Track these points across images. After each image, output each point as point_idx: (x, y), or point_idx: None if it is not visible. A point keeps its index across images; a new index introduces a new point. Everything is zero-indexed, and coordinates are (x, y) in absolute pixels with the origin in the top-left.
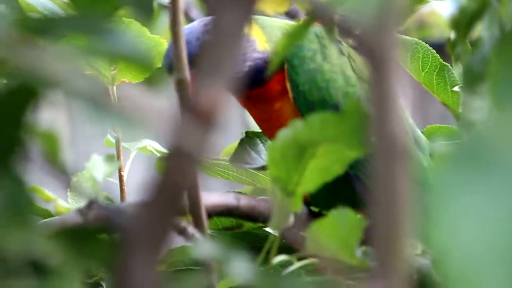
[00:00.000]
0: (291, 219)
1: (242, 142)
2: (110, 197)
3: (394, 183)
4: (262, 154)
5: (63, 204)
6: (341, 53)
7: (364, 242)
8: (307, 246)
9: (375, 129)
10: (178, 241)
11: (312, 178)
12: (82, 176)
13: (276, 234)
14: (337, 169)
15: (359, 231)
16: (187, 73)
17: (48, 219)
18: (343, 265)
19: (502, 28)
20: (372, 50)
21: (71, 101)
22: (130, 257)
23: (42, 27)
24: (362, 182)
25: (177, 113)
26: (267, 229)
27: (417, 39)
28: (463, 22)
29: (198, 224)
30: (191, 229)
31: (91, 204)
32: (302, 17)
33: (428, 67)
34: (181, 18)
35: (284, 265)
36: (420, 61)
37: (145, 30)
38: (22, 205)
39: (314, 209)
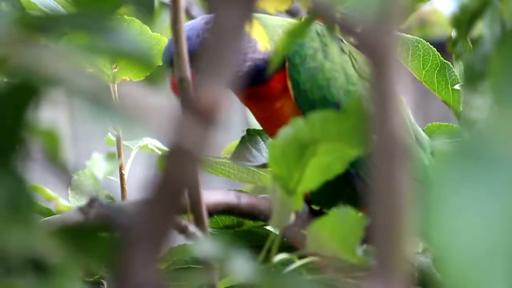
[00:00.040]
0: (292, 217)
1: (243, 140)
2: (111, 196)
3: (395, 181)
4: (263, 152)
5: (64, 202)
6: (343, 51)
7: (365, 240)
8: (308, 245)
9: (375, 127)
10: (179, 240)
11: (312, 177)
12: (83, 174)
13: (277, 232)
14: (338, 168)
15: (360, 230)
16: (188, 71)
17: (48, 218)
18: (344, 264)
19: (503, 26)
20: (373, 48)
21: (72, 99)
22: (131, 256)
23: (43, 25)
24: (363, 180)
25: (178, 111)
26: (268, 227)
27: (418, 38)
28: (464, 20)
29: (199, 223)
30: (192, 228)
31: (92, 202)
32: (303, 15)
33: (429, 65)
34: (182, 16)
35: (285, 263)
36: (421, 59)
37: (146, 28)
38: (23, 204)
39: (315, 207)
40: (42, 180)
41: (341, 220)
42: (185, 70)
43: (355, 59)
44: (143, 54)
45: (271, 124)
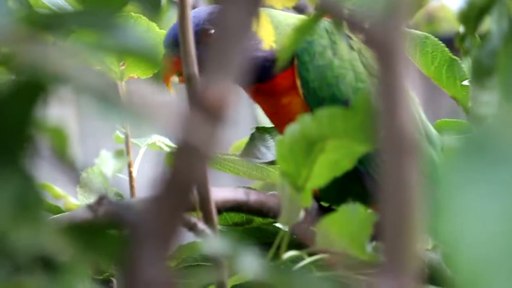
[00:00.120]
0: (301, 214)
1: (252, 137)
2: (120, 193)
3: (404, 178)
4: (271, 149)
5: (73, 200)
6: (351, 48)
7: (375, 237)
8: (317, 241)
9: (384, 123)
10: (188, 237)
11: (321, 173)
12: (92, 172)
13: (286, 229)
14: (346, 164)
15: (370, 226)
16: (195, 68)
17: (57, 215)
18: (353, 260)
19: (511, 22)
20: (381, 44)
21: (80, 97)
22: (140, 253)
23: (51, 23)
24: (372, 177)
25: (186, 108)
26: (277, 224)
27: (426, 33)
28: (472, 15)
29: (208, 220)
30: (201, 225)
31: (101, 200)
32: (311, 11)
33: (437, 61)
34: (189, 12)
35: (294, 260)
36: (429, 55)
37: (154, 26)
38: (31, 201)
39: (324, 204)
40: (51, 178)
41: (351, 217)
42: (193, 67)
43: (364, 56)
44: (150, 52)
45: (279, 120)
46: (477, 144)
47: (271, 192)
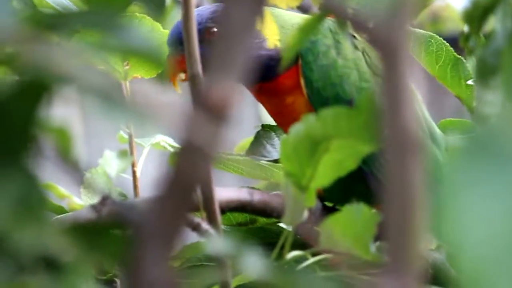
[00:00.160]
0: (305, 214)
1: (258, 136)
2: (124, 193)
3: (408, 178)
4: (277, 147)
5: (77, 200)
6: (356, 48)
7: (378, 237)
8: (321, 241)
9: (388, 123)
10: (192, 237)
11: (325, 173)
12: (96, 172)
13: (290, 229)
14: (351, 164)
15: (373, 226)
16: (199, 68)
17: (61, 215)
18: (357, 260)
19: None
20: (385, 43)
21: (84, 96)
22: (143, 253)
23: (55, 23)
24: (376, 177)
25: (190, 108)
26: (281, 224)
27: (431, 33)
28: (476, 15)
29: (211, 220)
30: (204, 225)
31: (105, 200)
32: (315, 11)
33: (442, 60)
34: (193, 13)
35: (298, 260)
36: (434, 54)
37: (158, 26)
38: (35, 201)
39: (328, 204)
40: (55, 178)
41: (355, 217)
42: (197, 67)
43: (368, 56)
44: (154, 52)
45: (283, 120)
46: (481, 144)
47: (275, 192)
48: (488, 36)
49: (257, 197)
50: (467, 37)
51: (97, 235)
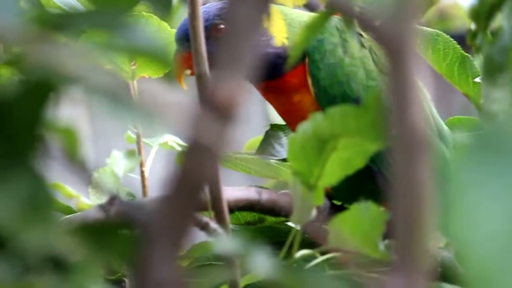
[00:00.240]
0: (313, 213)
1: (267, 135)
2: (132, 193)
3: (415, 176)
4: (285, 146)
5: (85, 200)
6: (363, 46)
7: (387, 235)
8: (329, 240)
9: (395, 122)
10: (200, 237)
11: (333, 171)
12: (103, 172)
13: (299, 228)
14: (358, 162)
15: (382, 225)
16: (206, 67)
17: (69, 216)
18: (365, 259)
19: None
20: (392, 41)
21: (91, 97)
22: (151, 253)
23: (62, 23)
24: (384, 175)
25: (197, 107)
26: (290, 223)
27: (438, 31)
28: (483, 12)
29: (220, 219)
30: (213, 224)
31: (112, 200)
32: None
33: (449, 58)
34: (200, 11)
35: (306, 259)
36: (441, 52)
37: (165, 25)
38: (42, 201)
39: (337, 202)
40: (63, 178)
41: (363, 215)
42: (204, 66)
43: (375, 54)
44: (161, 51)
45: (291, 118)
46: (489, 141)
47: (283, 191)
48: (495, 34)
49: (265, 196)
50: (474, 34)
51: (105, 235)
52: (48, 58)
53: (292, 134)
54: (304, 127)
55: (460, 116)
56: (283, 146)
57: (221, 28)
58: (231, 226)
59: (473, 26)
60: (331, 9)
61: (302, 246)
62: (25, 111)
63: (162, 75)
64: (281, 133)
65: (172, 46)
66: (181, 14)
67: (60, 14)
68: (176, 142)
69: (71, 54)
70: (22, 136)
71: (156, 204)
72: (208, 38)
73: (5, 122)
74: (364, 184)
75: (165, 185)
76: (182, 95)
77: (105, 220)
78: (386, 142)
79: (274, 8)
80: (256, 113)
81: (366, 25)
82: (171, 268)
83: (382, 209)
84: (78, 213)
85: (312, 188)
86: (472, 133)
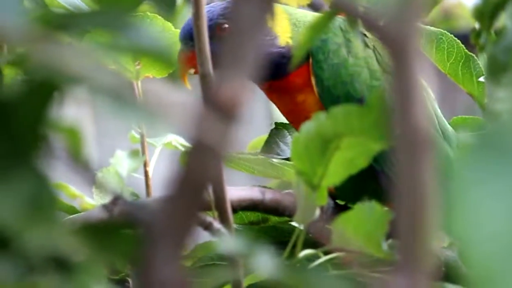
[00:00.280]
0: (317, 212)
1: (271, 134)
2: (136, 193)
3: (419, 175)
4: (290, 145)
5: (89, 200)
6: (366, 46)
7: (390, 235)
8: (333, 240)
9: (399, 121)
10: (204, 236)
11: (336, 171)
12: (107, 172)
13: (302, 228)
14: (362, 162)
15: (385, 224)
16: (210, 67)
17: (72, 215)
18: (369, 258)
19: None
20: (396, 41)
21: (95, 96)
22: (155, 253)
23: (66, 23)
24: (388, 175)
25: (200, 107)
26: (293, 223)
27: (442, 30)
28: (487, 12)
29: (223, 219)
30: (216, 224)
31: (116, 200)
32: (326, 9)
33: (453, 57)
34: (204, 11)
35: (310, 259)
36: (445, 52)
37: (169, 25)
38: (45, 201)
39: (340, 202)
40: (67, 179)
41: (366, 215)
42: (208, 66)
43: (379, 54)
44: (165, 51)
45: (294, 118)
46: (492, 141)
47: (286, 191)
48: (499, 33)
49: (269, 196)
50: (478, 34)
51: (108, 235)
52: (52, 58)
53: (295, 134)
54: (308, 126)
55: (464, 116)
56: (288, 145)
57: (225, 28)
58: (234, 226)
59: (477, 25)
60: (335, 9)
61: (306, 246)
62: (29, 111)
63: (166, 75)
64: (286, 132)
65: (176, 46)
66: (185, 14)
67: (64, 14)
68: (179, 142)
69: (75, 54)
70: (26, 136)
71: (159, 204)
72: (212, 37)
73: (9, 122)
74: (367, 184)
75: (168, 185)
76: (186, 95)
77: (109, 220)
78: (389, 142)
79: (279, 8)
80: (260, 113)
81: (370, 25)
82: (175, 268)
83: (385, 208)
84: (82, 213)
85: (315, 188)
86: (476, 133)
